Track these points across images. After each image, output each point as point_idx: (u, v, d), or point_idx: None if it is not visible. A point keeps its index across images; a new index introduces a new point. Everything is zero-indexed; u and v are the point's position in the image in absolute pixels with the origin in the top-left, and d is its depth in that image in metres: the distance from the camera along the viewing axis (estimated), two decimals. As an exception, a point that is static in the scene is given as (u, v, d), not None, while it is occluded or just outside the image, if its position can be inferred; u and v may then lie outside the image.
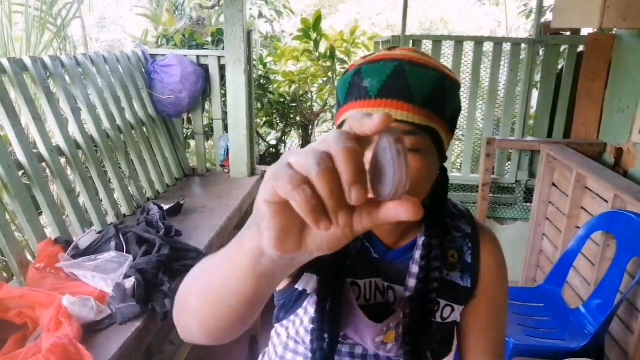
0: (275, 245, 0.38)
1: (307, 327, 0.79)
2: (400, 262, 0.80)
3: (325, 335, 0.75)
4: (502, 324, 0.88)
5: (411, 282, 0.78)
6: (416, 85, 0.67)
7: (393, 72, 0.68)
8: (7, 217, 1.77)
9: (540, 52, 2.88)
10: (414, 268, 0.78)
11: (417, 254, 0.78)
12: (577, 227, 2.20)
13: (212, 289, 0.52)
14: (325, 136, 0.36)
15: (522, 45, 2.80)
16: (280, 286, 0.82)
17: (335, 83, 3.51)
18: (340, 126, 0.64)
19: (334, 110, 3.68)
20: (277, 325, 0.87)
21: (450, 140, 0.76)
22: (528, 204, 2.88)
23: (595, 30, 2.66)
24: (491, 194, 2.88)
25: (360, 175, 0.34)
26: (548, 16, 3.34)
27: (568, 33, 2.99)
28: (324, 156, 0.34)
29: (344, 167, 0.34)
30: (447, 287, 0.81)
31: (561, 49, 2.88)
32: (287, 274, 0.49)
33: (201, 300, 0.54)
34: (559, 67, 2.90)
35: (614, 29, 2.53)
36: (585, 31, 2.90)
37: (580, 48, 2.77)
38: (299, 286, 0.80)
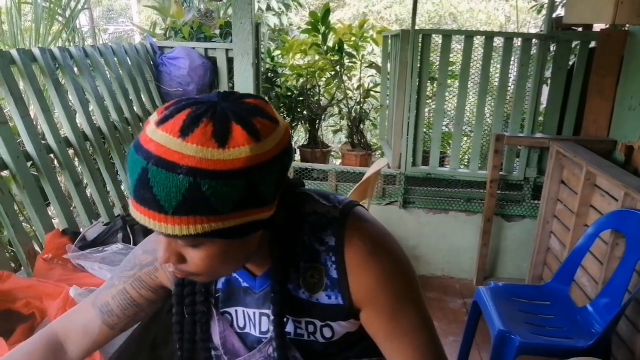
0: None
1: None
2: (267, 288, 0.79)
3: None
4: (405, 330, 0.76)
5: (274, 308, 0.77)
6: (161, 195, 0.57)
7: (139, 178, 0.59)
8: (16, 208, 1.78)
9: (552, 48, 2.83)
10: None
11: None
12: (586, 225, 2.18)
13: None
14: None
15: (533, 40, 2.76)
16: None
17: (344, 77, 3.49)
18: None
19: (341, 105, 3.67)
20: None
21: (269, 208, 0.65)
22: (536, 201, 2.85)
23: (607, 26, 2.62)
24: (499, 191, 2.85)
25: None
26: (560, 11, 3.30)
27: (580, 29, 2.95)
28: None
29: None
30: (315, 309, 0.77)
31: (573, 45, 2.84)
32: None
33: None
34: (570, 63, 2.86)
35: (627, 25, 2.49)
36: (597, 27, 2.85)
37: (592, 44, 2.73)
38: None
